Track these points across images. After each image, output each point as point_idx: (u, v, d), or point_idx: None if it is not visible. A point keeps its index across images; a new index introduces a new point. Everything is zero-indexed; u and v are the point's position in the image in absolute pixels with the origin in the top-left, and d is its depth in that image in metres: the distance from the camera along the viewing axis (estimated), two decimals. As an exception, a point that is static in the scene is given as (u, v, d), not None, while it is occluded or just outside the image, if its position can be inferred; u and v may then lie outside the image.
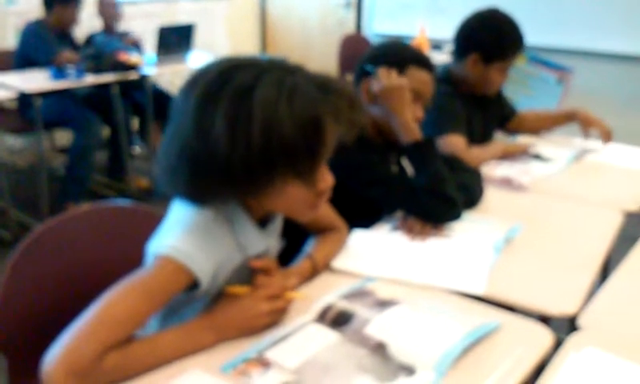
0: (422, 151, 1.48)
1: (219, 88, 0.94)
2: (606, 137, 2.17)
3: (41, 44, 3.66)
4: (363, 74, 1.56)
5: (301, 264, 1.22)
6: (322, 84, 0.98)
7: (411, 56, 1.55)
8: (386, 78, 1.49)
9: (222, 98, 0.93)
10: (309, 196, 1.04)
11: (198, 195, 1.01)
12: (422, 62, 1.56)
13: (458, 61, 2.03)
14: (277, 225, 1.18)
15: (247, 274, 1.09)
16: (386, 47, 1.62)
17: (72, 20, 3.81)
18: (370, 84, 1.53)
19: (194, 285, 1.01)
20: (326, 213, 1.34)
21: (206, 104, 0.94)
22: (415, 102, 1.52)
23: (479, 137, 2.06)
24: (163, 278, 0.97)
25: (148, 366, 0.94)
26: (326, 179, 1.05)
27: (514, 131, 2.30)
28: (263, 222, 1.12)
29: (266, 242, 1.12)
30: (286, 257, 1.24)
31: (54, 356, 0.86)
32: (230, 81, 0.94)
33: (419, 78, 1.53)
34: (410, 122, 1.47)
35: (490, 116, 2.16)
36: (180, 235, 1.00)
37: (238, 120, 0.92)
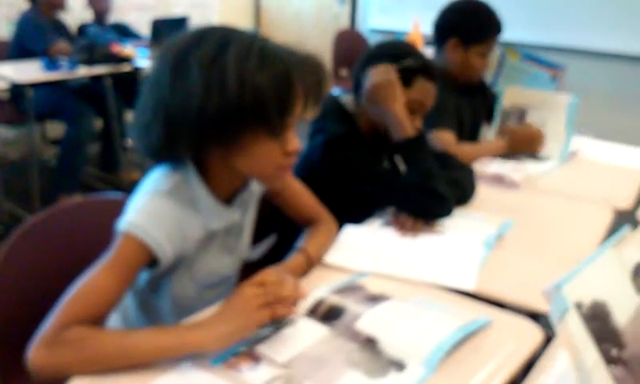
0: (413, 147, 1.47)
1: (195, 46, 0.99)
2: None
3: (36, 32, 3.63)
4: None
5: (294, 259, 1.22)
6: (288, 48, 1.05)
7: (418, 66, 1.51)
8: (374, 75, 1.48)
9: (198, 54, 0.98)
10: (277, 155, 1.06)
11: (170, 150, 1.05)
12: (429, 72, 1.51)
13: (438, 51, 2.04)
14: (246, 201, 1.21)
15: (213, 247, 1.15)
16: (387, 49, 1.56)
17: (60, 2, 3.77)
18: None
19: (156, 259, 1.04)
20: (312, 203, 1.35)
21: (182, 61, 0.99)
22: (417, 113, 1.51)
23: (469, 128, 2.06)
24: (123, 254, 1.00)
25: (122, 355, 0.91)
26: (294, 142, 1.08)
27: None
28: (229, 199, 1.16)
29: (228, 218, 1.15)
30: (279, 253, 1.24)
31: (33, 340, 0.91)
32: (204, 40, 1.00)
33: (425, 89, 1.51)
34: (401, 117, 1.46)
35: (477, 106, 2.16)
36: (137, 210, 1.04)
37: (213, 72, 0.97)
